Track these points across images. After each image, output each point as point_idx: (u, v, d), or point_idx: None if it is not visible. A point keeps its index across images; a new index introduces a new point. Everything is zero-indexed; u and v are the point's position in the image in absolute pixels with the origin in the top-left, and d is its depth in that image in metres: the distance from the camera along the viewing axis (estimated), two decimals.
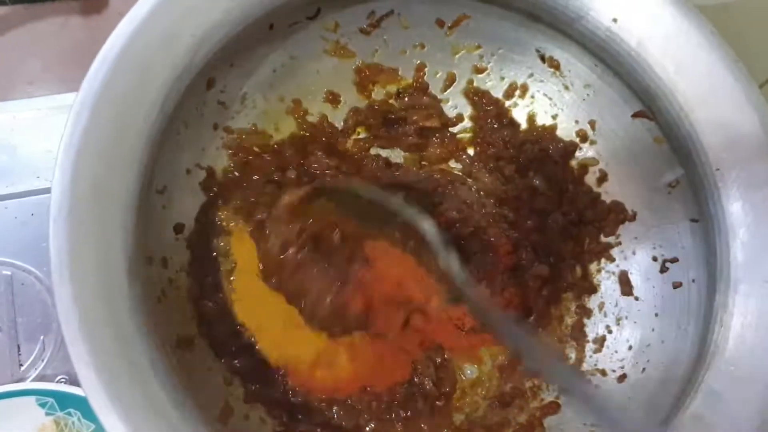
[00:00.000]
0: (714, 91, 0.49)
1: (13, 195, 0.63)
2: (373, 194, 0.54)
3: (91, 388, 0.39)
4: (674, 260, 0.55)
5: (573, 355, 0.57)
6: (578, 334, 0.58)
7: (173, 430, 0.40)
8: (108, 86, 0.43)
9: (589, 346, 0.57)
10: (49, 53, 0.82)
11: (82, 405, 0.56)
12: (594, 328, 0.58)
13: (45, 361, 0.59)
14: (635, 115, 0.55)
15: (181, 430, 0.40)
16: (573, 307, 0.59)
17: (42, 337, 0.60)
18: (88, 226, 0.41)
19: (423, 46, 0.60)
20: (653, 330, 0.55)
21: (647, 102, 0.52)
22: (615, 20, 0.50)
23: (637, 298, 0.57)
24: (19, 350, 0.59)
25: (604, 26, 0.51)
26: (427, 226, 0.52)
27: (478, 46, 0.59)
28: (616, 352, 0.56)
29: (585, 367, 0.57)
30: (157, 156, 0.49)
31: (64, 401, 0.56)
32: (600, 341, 0.57)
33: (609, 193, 0.59)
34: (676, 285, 0.54)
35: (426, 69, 0.61)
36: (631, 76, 0.52)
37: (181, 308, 0.53)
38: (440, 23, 0.58)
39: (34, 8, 0.81)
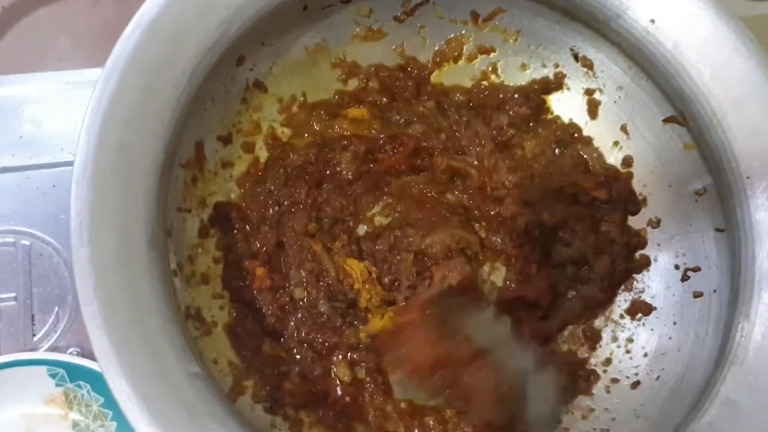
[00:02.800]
0: (748, 98, 0.48)
1: (36, 166, 0.63)
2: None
3: (102, 350, 0.38)
4: (696, 269, 0.54)
5: (585, 356, 0.56)
6: (593, 336, 0.57)
7: (181, 398, 0.39)
8: (139, 52, 0.43)
9: (603, 350, 0.56)
10: (80, 31, 0.83)
11: (92, 378, 0.55)
12: (609, 332, 0.57)
13: (58, 332, 0.59)
14: (666, 120, 0.54)
15: (189, 399, 0.40)
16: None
17: (56, 309, 0.59)
18: (110, 189, 0.41)
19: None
20: (670, 338, 0.54)
21: (680, 106, 0.52)
22: (652, 21, 0.50)
23: (655, 308, 0.56)
24: (33, 320, 0.59)
25: (641, 26, 0.50)
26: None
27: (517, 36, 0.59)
28: (631, 358, 0.55)
29: (597, 370, 0.56)
30: (183, 129, 0.49)
31: (75, 373, 0.56)
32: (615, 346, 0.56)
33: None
34: (697, 294, 0.53)
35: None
36: (665, 79, 0.51)
37: (197, 286, 0.53)
38: (475, 15, 0.57)
39: None
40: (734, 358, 0.45)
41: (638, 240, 0.58)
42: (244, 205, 0.56)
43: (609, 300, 0.58)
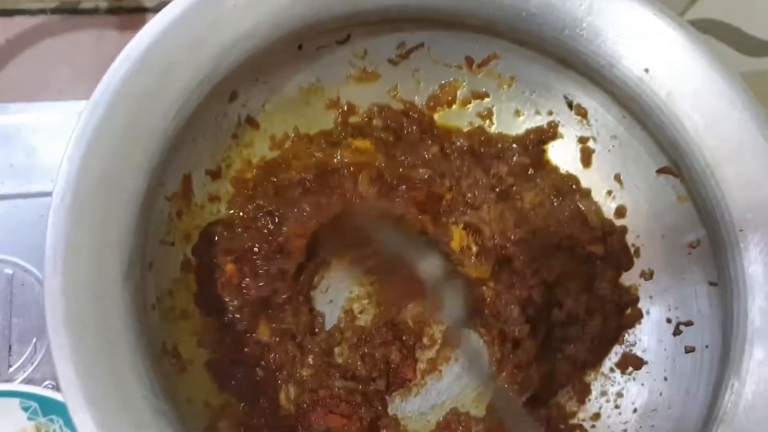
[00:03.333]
0: (743, 150, 0.47)
1: (25, 195, 0.62)
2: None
3: (67, 383, 0.38)
4: (689, 323, 0.53)
5: (573, 409, 0.55)
6: (582, 390, 0.55)
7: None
8: (128, 83, 0.43)
9: (592, 404, 0.55)
10: (83, 64, 0.83)
11: (65, 413, 0.54)
12: (599, 386, 0.56)
13: (35, 364, 0.58)
14: (660, 171, 0.54)
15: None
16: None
17: (34, 340, 0.58)
18: (87, 220, 0.41)
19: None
20: (661, 394, 0.52)
21: (674, 157, 0.51)
22: (646, 70, 0.49)
23: (646, 362, 0.55)
24: (10, 351, 0.58)
25: (635, 75, 0.50)
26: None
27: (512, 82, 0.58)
28: (620, 413, 0.54)
29: (584, 425, 0.54)
30: (170, 162, 0.49)
31: (48, 407, 0.54)
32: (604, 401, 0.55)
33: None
34: (689, 349, 0.52)
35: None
36: (659, 129, 0.50)
37: (176, 321, 0.52)
38: (469, 61, 0.57)
39: (73, 19, 0.83)
40: (724, 416, 0.44)
41: (629, 297, 0.57)
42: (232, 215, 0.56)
43: (598, 360, 0.57)
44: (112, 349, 0.39)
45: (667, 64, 0.49)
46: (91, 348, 0.39)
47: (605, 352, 0.57)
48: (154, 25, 0.44)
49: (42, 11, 0.81)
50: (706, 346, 0.50)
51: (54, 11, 0.81)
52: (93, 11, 0.83)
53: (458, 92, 0.59)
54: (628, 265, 0.57)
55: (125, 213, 0.42)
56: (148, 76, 0.44)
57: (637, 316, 0.56)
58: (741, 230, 0.47)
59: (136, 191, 0.43)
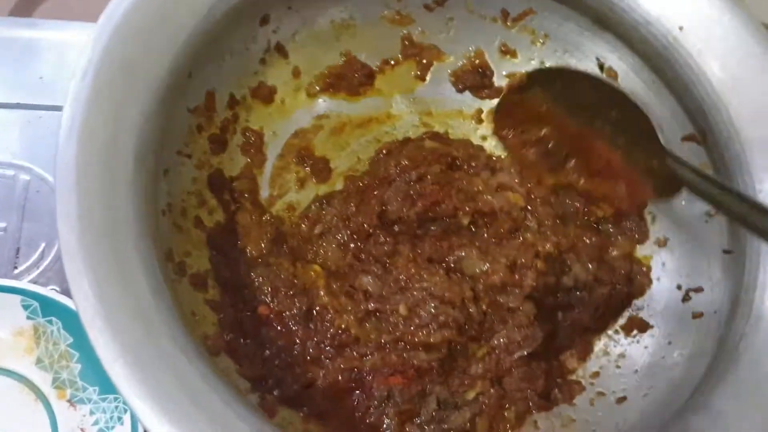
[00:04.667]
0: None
1: (49, 107, 0.63)
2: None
3: (69, 250, 0.38)
4: (699, 290, 0.52)
5: (573, 366, 0.54)
6: (584, 348, 0.54)
7: (142, 307, 0.38)
8: None
9: (593, 363, 0.54)
10: None
11: (65, 315, 0.54)
12: (602, 346, 0.55)
13: (40, 269, 0.58)
14: (685, 138, 0.53)
15: (149, 315, 0.38)
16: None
17: (43, 245, 0.59)
18: (106, 99, 0.41)
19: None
20: (663, 357, 0.51)
21: (700, 122, 0.51)
22: (681, 28, 0.49)
23: (651, 326, 0.54)
24: (17, 253, 0.58)
25: (669, 33, 0.50)
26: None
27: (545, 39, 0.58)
28: (620, 374, 0.53)
29: (582, 382, 0.53)
30: (195, 72, 0.49)
31: (48, 308, 0.54)
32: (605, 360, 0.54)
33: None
34: (697, 315, 0.51)
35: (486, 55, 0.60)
36: (688, 90, 0.50)
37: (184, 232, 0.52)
38: (505, 14, 0.57)
39: None
40: (725, 370, 0.43)
41: (640, 269, 0.56)
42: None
43: (602, 328, 0.56)
44: (117, 225, 0.39)
45: (701, 23, 0.49)
46: (96, 218, 0.39)
47: (611, 320, 0.56)
48: None
49: None
50: (715, 312, 0.49)
51: None
52: None
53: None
54: (643, 238, 0.57)
55: (144, 101, 0.43)
56: None
57: (646, 285, 0.55)
58: (760, 192, 0.46)
59: (158, 82, 0.43)
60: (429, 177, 0.56)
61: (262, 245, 0.55)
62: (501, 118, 0.58)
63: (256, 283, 0.53)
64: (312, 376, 0.51)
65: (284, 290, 0.53)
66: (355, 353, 0.52)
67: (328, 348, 0.52)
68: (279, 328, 0.52)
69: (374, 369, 0.51)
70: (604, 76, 0.55)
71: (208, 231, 0.53)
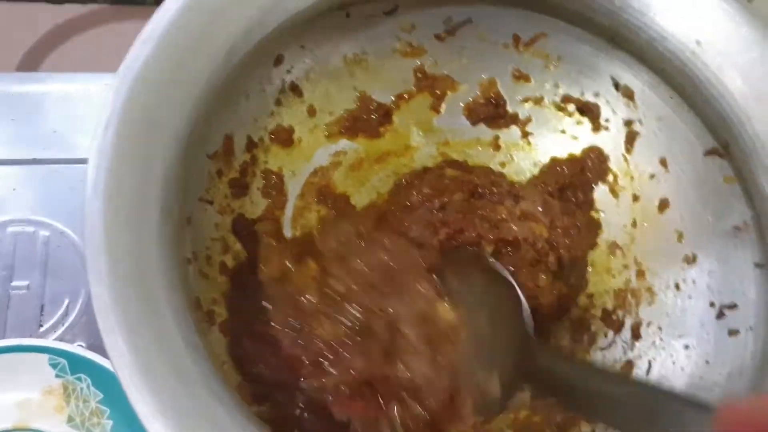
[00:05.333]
0: None
1: (65, 160, 0.63)
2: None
3: (101, 306, 0.37)
4: (733, 306, 0.51)
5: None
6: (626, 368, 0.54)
7: (178, 362, 0.37)
8: (178, 22, 0.43)
9: None
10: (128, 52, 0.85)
11: (94, 371, 0.54)
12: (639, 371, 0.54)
13: (65, 325, 0.58)
14: (708, 153, 0.52)
15: (185, 365, 0.38)
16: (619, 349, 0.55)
17: (67, 301, 0.58)
18: (130, 150, 0.40)
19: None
20: (701, 378, 0.51)
21: (722, 135, 0.50)
22: (698, 42, 0.49)
23: (687, 346, 0.53)
24: (42, 311, 0.58)
25: (687, 48, 0.49)
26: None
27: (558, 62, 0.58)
28: None
29: None
30: (213, 118, 0.49)
31: (77, 365, 0.54)
32: None
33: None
34: (732, 332, 0.50)
35: (498, 86, 0.60)
36: (709, 104, 0.49)
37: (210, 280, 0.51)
38: (516, 39, 0.57)
39: (122, 9, 0.84)
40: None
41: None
42: None
43: None
44: (147, 280, 0.39)
45: (718, 37, 0.48)
46: (127, 274, 0.38)
47: None
48: None
49: (94, 0, 0.83)
50: (750, 328, 0.49)
51: (104, 0, 0.83)
52: (141, 2, 0.84)
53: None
54: None
55: (167, 153, 0.42)
56: (198, 18, 0.44)
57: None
58: None
59: (178, 133, 0.43)
60: (452, 205, 0.56)
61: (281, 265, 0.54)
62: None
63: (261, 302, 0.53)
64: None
65: (281, 302, 0.53)
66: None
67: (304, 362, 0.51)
68: (272, 347, 0.52)
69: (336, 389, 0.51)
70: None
71: (230, 270, 0.53)
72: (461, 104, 0.60)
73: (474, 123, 0.60)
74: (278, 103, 0.56)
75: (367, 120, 0.58)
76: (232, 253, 0.53)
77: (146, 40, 0.42)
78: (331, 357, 0.52)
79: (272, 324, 0.52)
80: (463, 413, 0.49)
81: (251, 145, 0.55)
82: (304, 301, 0.52)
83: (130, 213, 0.40)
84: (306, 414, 0.51)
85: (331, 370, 0.51)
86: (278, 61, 0.54)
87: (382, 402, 0.51)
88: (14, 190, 0.61)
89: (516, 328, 0.52)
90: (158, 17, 0.43)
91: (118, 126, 0.41)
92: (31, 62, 0.81)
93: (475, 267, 0.55)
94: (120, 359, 0.36)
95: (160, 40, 0.43)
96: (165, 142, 0.43)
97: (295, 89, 0.56)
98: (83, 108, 0.65)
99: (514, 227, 0.55)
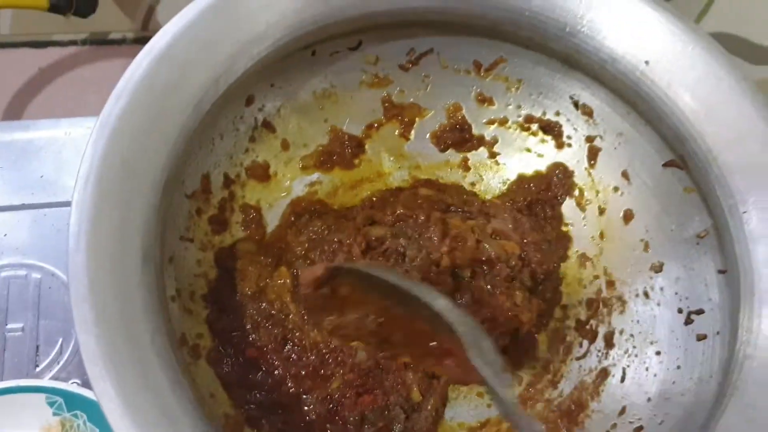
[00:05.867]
0: (743, 136, 0.49)
1: (53, 204, 0.65)
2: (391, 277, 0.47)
3: (89, 353, 0.39)
4: (700, 312, 0.53)
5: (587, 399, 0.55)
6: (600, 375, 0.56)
7: (166, 407, 0.39)
8: (149, 76, 0.45)
9: (606, 398, 0.55)
10: (109, 90, 0.87)
11: (89, 408, 0.56)
12: (614, 379, 0.56)
13: (60, 364, 0.60)
14: (666, 164, 0.55)
15: (171, 406, 0.40)
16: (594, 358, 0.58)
17: (60, 341, 0.60)
18: (110, 202, 0.43)
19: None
20: (673, 383, 0.53)
21: (678, 148, 0.52)
22: (647, 63, 0.51)
23: (659, 353, 0.55)
24: (37, 351, 0.60)
25: (636, 69, 0.51)
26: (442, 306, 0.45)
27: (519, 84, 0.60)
28: (633, 404, 0.54)
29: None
30: (190, 159, 0.51)
31: (73, 402, 0.56)
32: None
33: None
34: (701, 337, 0.52)
35: (463, 110, 0.62)
36: (662, 120, 0.52)
37: (195, 315, 0.53)
38: (477, 65, 0.59)
39: (102, 49, 0.86)
40: (734, 392, 0.44)
41: None
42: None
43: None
44: (132, 325, 0.41)
45: (666, 56, 0.51)
46: (112, 321, 0.40)
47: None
48: (173, 25, 0.47)
49: (73, 42, 0.85)
50: (717, 333, 0.51)
51: (84, 42, 0.86)
52: (120, 41, 0.87)
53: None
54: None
55: (145, 199, 0.44)
56: (168, 71, 0.46)
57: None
58: (745, 212, 0.48)
59: (156, 180, 0.45)
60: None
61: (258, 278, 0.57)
62: (312, 314, 0.53)
63: (246, 324, 0.55)
64: (297, 416, 0.53)
65: (263, 321, 0.55)
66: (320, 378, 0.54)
67: (303, 377, 0.54)
68: (264, 368, 0.54)
69: (341, 391, 0.54)
70: (398, 276, 0.48)
71: (209, 283, 0.55)
72: (428, 134, 0.63)
73: (443, 150, 0.62)
74: (252, 139, 0.58)
75: (341, 153, 0.61)
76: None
77: (120, 95, 0.45)
78: (330, 362, 0.55)
79: (259, 345, 0.55)
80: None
81: (228, 182, 0.57)
82: (282, 316, 0.55)
83: (112, 261, 0.42)
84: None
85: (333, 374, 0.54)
86: (249, 100, 0.56)
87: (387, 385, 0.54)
88: (5, 235, 0.63)
89: None
90: (130, 72, 0.45)
91: (97, 179, 0.43)
92: (18, 106, 0.83)
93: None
94: (109, 404, 0.38)
95: (133, 94, 0.45)
96: (143, 189, 0.45)
97: (268, 125, 0.58)
98: (67, 152, 0.67)
99: (487, 246, 0.57)
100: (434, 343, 0.46)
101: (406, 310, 0.46)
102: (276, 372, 0.55)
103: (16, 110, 0.81)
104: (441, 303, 0.43)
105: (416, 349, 0.48)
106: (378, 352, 0.54)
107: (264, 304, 0.56)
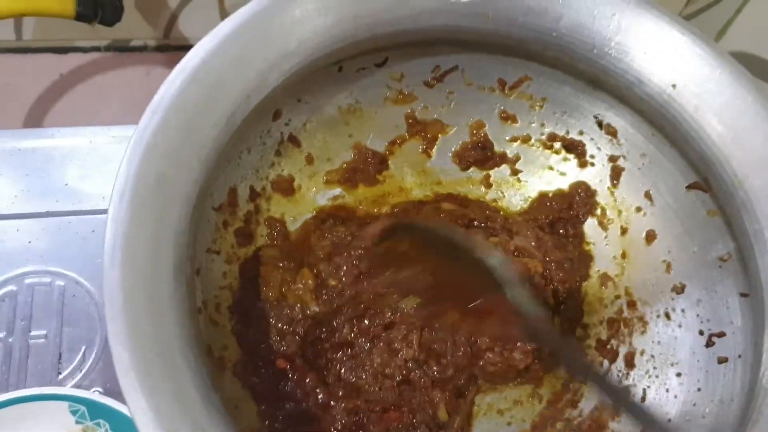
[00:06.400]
0: None
1: (77, 212, 0.66)
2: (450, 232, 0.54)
3: (123, 368, 0.39)
4: (721, 335, 0.53)
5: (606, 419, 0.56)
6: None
7: (196, 421, 0.40)
8: (182, 94, 0.46)
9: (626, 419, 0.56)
10: (132, 97, 0.87)
11: (112, 417, 0.56)
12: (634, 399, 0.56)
13: (83, 371, 0.60)
14: (690, 187, 0.55)
15: (202, 422, 0.40)
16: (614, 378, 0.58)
17: (83, 349, 0.61)
18: (145, 217, 0.43)
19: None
20: (694, 405, 0.53)
21: (703, 171, 0.53)
22: (674, 86, 0.51)
23: (679, 374, 0.55)
24: (60, 358, 0.60)
25: (663, 92, 0.52)
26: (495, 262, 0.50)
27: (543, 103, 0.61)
28: None
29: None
30: (218, 173, 0.51)
31: (96, 411, 0.56)
32: None
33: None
34: (722, 360, 0.52)
35: (486, 128, 0.62)
36: (688, 143, 0.52)
37: (220, 326, 0.54)
38: (502, 83, 0.60)
39: (123, 56, 0.87)
40: (759, 418, 0.45)
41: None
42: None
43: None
44: (164, 339, 0.41)
45: (693, 80, 0.51)
46: (145, 336, 0.40)
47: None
48: (206, 42, 0.47)
49: (95, 48, 0.86)
50: (739, 356, 0.51)
51: (106, 49, 0.86)
52: (142, 48, 0.87)
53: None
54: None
55: (178, 214, 0.45)
56: (201, 88, 0.46)
57: None
58: None
59: (188, 194, 0.46)
60: None
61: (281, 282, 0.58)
62: (372, 269, 0.57)
63: (271, 333, 0.56)
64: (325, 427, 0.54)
65: (286, 327, 0.56)
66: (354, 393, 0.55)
67: (334, 388, 0.55)
68: (294, 377, 0.55)
69: (371, 404, 0.54)
70: (457, 231, 0.55)
71: (234, 293, 0.56)
72: (450, 153, 0.63)
73: (464, 168, 0.63)
74: (278, 153, 0.58)
75: (365, 170, 0.61)
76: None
77: (155, 111, 0.45)
78: (362, 374, 0.55)
79: (288, 354, 0.55)
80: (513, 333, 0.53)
81: (254, 195, 0.58)
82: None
83: (146, 275, 0.42)
84: None
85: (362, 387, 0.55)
86: (277, 115, 0.56)
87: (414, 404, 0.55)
88: (29, 242, 0.64)
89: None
90: (164, 89, 0.46)
91: (132, 194, 0.43)
92: (39, 112, 0.84)
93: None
94: (143, 417, 0.39)
95: (167, 111, 0.45)
96: (176, 203, 0.45)
97: (294, 140, 0.59)
98: (91, 160, 0.68)
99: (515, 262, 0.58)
100: (479, 301, 0.50)
101: (456, 267, 0.50)
102: (307, 380, 0.55)
103: (38, 115, 0.81)
104: (494, 259, 0.47)
105: (463, 306, 0.52)
106: (429, 308, 0.56)
107: (286, 310, 0.56)
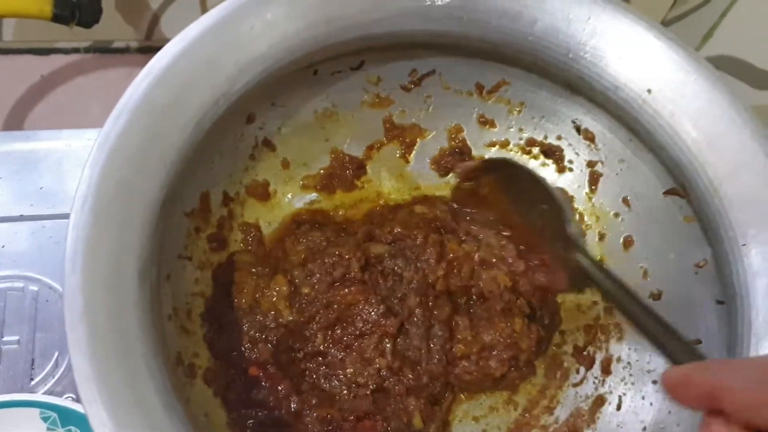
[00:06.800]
0: (744, 167, 0.48)
1: (52, 216, 0.65)
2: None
3: (82, 376, 0.39)
4: (697, 342, 0.53)
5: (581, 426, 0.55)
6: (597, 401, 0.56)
7: (156, 426, 0.39)
8: (149, 96, 0.45)
9: (602, 426, 0.55)
10: (113, 99, 0.87)
11: (83, 424, 0.55)
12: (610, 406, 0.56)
13: (56, 377, 0.59)
14: (667, 193, 0.55)
15: (165, 429, 0.39)
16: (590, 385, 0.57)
17: (56, 354, 0.60)
18: (107, 223, 0.42)
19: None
20: (669, 413, 0.52)
21: (679, 177, 0.52)
22: (649, 91, 0.51)
23: (655, 381, 0.55)
24: (33, 364, 0.60)
25: (638, 97, 0.51)
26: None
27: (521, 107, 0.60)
28: None
29: None
30: (189, 178, 0.51)
31: (67, 417, 0.56)
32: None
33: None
34: None
35: (464, 132, 0.62)
36: (663, 149, 0.51)
37: (191, 334, 0.53)
38: (480, 87, 0.59)
39: (105, 58, 0.86)
40: None
41: None
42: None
43: None
44: (127, 346, 0.41)
45: (669, 85, 0.50)
46: (106, 343, 0.40)
47: None
48: (174, 45, 0.47)
49: (76, 50, 0.85)
50: None
51: (87, 50, 0.85)
52: (124, 50, 0.87)
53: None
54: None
55: (142, 219, 0.44)
56: (168, 91, 0.46)
57: None
58: (744, 244, 0.47)
59: (153, 200, 0.45)
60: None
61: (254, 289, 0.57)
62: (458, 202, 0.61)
63: (244, 340, 0.55)
64: None
65: (258, 334, 0.55)
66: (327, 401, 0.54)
67: (308, 396, 0.54)
68: (267, 384, 0.54)
69: (344, 413, 0.54)
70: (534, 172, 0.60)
71: (206, 302, 0.55)
72: (428, 159, 0.63)
73: (443, 174, 0.63)
74: (252, 158, 0.58)
75: (342, 175, 0.61)
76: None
77: (119, 115, 0.45)
78: (336, 382, 0.55)
79: (260, 362, 0.55)
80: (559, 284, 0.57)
81: (227, 200, 0.57)
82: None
83: (108, 282, 0.42)
84: None
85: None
86: (250, 119, 0.56)
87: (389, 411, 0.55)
88: (3, 246, 0.63)
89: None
90: (130, 92, 0.45)
91: (94, 199, 0.43)
92: (20, 114, 0.83)
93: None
94: (101, 428, 0.38)
95: (132, 114, 0.45)
96: (141, 208, 0.44)
97: (268, 144, 0.58)
98: (68, 164, 0.67)
99: (483, 275, 0.57)
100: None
101: (526, 218, 0.58)
102: (279, 388, 0.54)
103: (19, 117, 0.81)
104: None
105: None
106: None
107: (259, 317, 0.56)
